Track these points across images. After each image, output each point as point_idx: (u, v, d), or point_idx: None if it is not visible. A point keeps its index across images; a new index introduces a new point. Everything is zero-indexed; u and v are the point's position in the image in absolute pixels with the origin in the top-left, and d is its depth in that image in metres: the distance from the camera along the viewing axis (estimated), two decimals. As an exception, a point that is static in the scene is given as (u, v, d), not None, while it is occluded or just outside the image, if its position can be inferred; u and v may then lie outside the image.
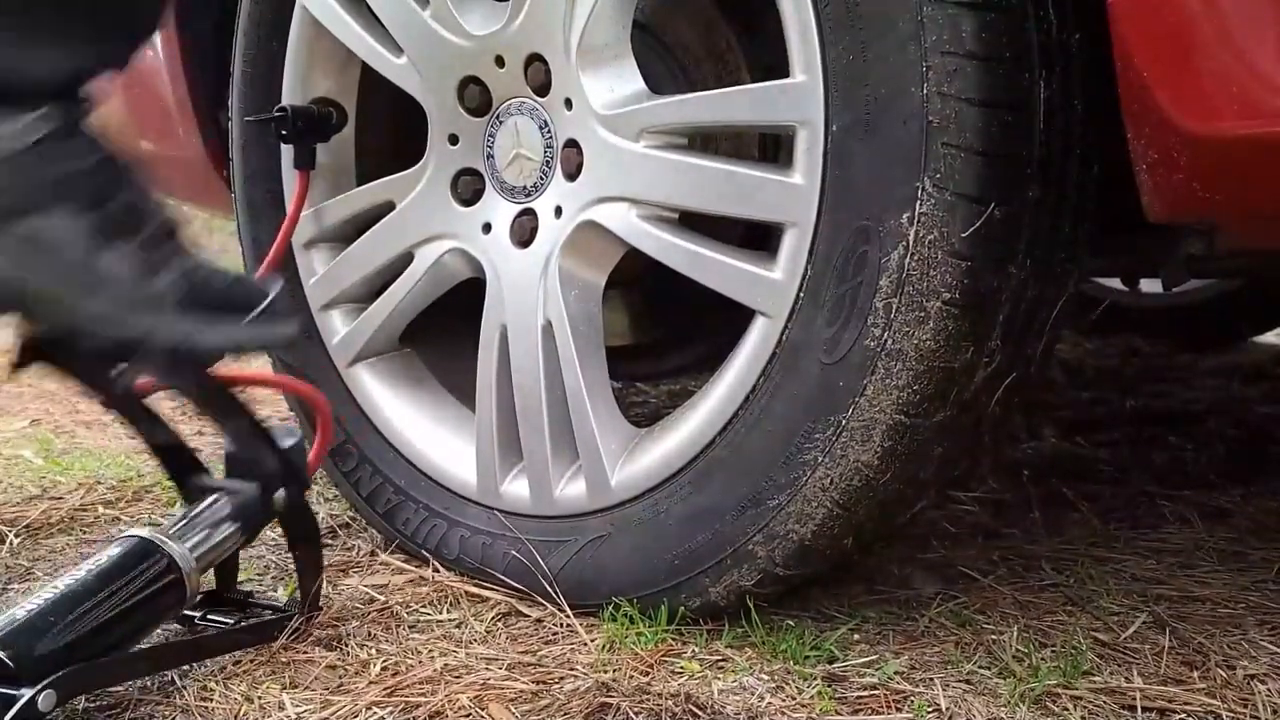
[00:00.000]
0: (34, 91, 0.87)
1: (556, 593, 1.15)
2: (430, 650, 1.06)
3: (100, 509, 1.52)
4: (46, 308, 0.88)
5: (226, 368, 1.20)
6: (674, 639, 1.07)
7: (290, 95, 1.32)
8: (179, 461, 1.10)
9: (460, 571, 1.24)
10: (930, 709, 0.93)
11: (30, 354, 0.93)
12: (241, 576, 1.16)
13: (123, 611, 0.93)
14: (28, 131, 0.85)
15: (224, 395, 1.03)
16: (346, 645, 1.06)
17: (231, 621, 1.07)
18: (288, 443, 1.08)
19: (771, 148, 1.28)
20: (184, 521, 1.03)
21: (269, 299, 0.97)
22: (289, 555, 1.35)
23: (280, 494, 1.06)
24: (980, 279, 0.91)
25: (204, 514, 1.05)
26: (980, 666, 1.02)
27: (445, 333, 1.36)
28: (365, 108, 1.36)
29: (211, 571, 1.11)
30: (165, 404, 1.10)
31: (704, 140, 1.21)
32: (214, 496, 1.06)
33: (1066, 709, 0.93)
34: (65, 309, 0.87)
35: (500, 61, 1.15)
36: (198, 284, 0.92)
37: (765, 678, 1.00)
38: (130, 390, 0.99)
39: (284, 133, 1.30)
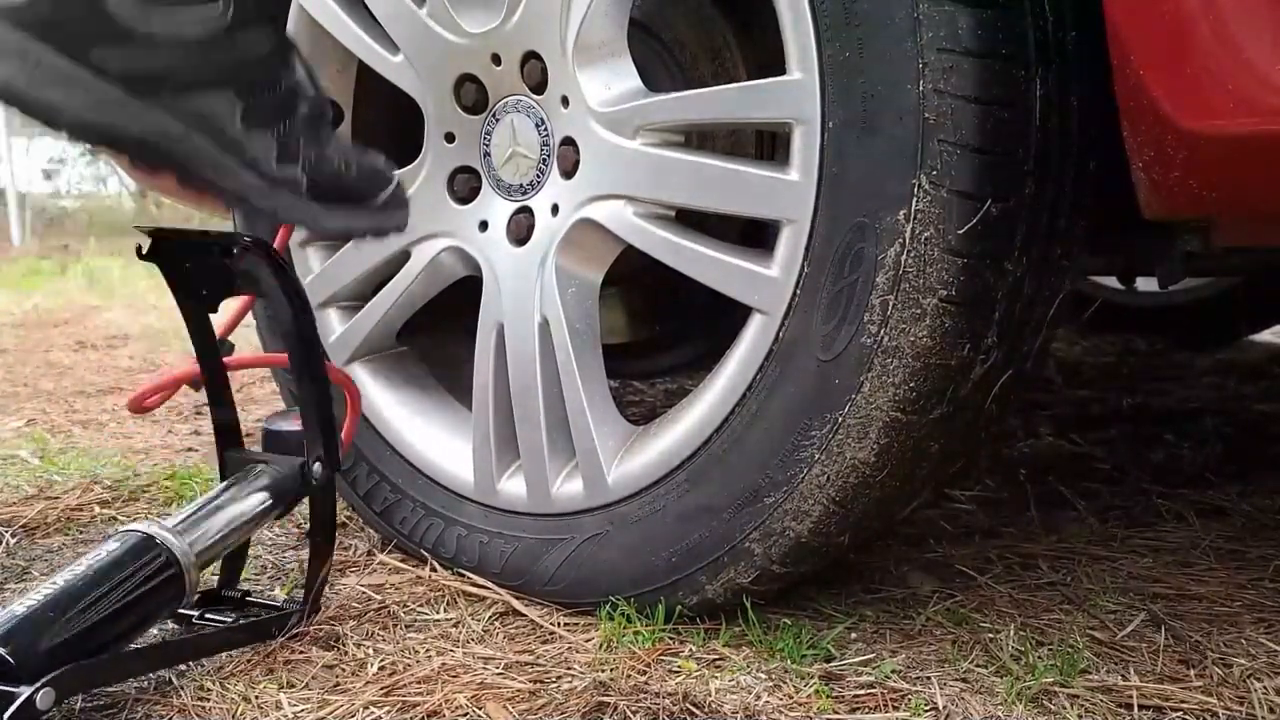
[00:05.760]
0: None
1: (553, 591, 1.15)
2: (427, 650, 1.05)
3: (96, 508, 1.52)
4: (198, 177, 0.95)
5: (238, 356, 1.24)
6: (671, 638, 1.07)
7: (287, 94, 1.32)
8: (225, 431, 1.14)
9: (457, 570, 1.24)
10: (927, 707, 0.93)
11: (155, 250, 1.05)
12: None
13: (122, 607, 0.93)
14: (219, 17, 0.92)
15: (320, 365, 1.09)
16: (344, 645, 1.06)
17: (229, 621, 1.07)
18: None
19: (768, 145, 1.28)
20: (187, 516, 1.03)
21: (388, 191, 1.06)
22: (286, 555, 1.35)
23: (317, 469, 1.10)
24: (977, 276, 0.91)
25: (218, 500, 1.06)
26: (977, 665, 1.02)
27: (442, 331, 1.36)
28: (362, 106, 1.36)
29: (218, 565, 1.11)
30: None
31: (701, 138, 1.21)
32: (246, 469, 1.10)
33: (1063, 707, 0.93)
34: (212, 182, 0.95)
35: (497, 59, 1.15)
36: (329, 172, 1.01)
37: (762, 676, 1.00)
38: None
39: (281, 131, 1.30)
